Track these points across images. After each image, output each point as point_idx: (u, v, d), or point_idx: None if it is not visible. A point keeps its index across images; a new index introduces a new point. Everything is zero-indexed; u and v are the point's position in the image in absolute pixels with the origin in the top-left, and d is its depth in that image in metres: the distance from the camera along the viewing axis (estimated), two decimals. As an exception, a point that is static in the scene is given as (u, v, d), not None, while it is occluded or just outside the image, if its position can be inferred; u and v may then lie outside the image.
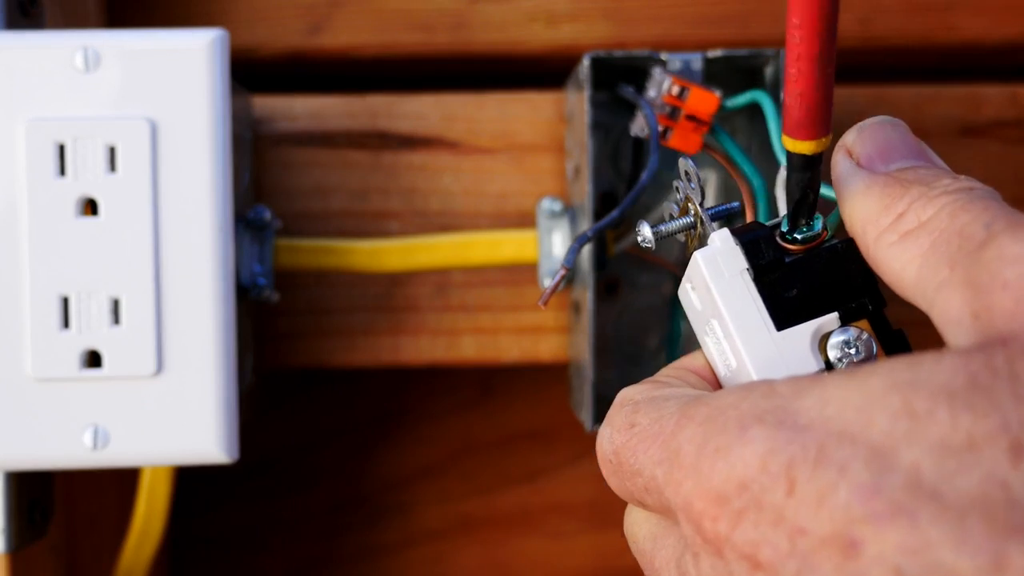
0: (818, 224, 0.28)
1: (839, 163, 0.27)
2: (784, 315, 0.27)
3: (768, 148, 0.37)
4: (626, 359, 0.44)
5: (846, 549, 0.20)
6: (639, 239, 0.32)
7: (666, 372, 0.30)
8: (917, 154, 0.27)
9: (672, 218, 0.32)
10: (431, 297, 0.46)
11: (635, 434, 0.26)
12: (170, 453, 0.37)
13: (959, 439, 0.20)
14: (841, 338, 0.27)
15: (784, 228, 0.28)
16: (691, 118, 0.37)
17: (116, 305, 0.37)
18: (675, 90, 0.38)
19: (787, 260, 0.28)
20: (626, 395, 0.28)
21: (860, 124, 0.28)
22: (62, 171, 0.36)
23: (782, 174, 0.32)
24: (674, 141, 0.38)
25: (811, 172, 0.26)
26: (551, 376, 0.49)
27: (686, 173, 0.31)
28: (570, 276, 0.43)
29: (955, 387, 0.20)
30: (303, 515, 0.55)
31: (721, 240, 0.28)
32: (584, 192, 0.40)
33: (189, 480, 0.51)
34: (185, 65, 0.36)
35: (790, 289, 0.28)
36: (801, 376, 0.23)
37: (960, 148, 0.46)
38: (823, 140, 0.26)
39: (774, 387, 0.23)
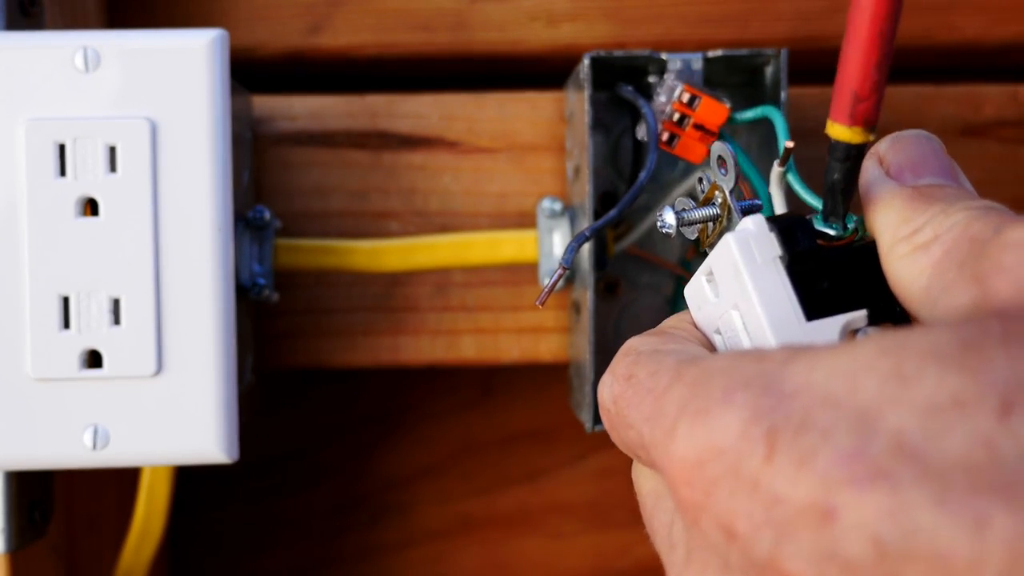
0: (851, 222, 0.27)
1: (868, 169, 0.27)
2: (814, 306, 0.26)
3: (767, 154, 0.37)
4: (626, 359, 0.44)
5: (823, 517, 0.19)
6: (660, 225, 0.31)
7: (674, 322, 0.30)
8: (947, 173, 0.27)
9: (695, 207, 0.31)
10: (431, 297, 0.46)
11: (632, 386, 0.26)
12: (170, 453, 0.37)
13: (946, 399, 0.19)
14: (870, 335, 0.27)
15: (818, 220, 0.28)
16: (699, 127, 0.37)
17: (116, 305, 0.37)
18: (686, 98, 0.38)
19: (821, 252, 0.27)
20: (631, 344, 0.28)
21: (896, 134, 0.28)
22: (62, 171, 0.36)
23: (775, 170, 0.31)
24: (680, 149, 0.38)
25: (851, 164, 0.26)
26: (551, 376, 0.49)
27: (720, 159, 0.30)
28: (570, 276, 0.43)
29: (946, 349, 0.20)
30: (303, 515, 0.55)
31: (755, 224, 0.27)
32: (584, 192, 0.40)
33: (189, 480, 0.51)
34: (185, 65, 0.36)
35: (822, 281, 0.27)
36: (795, 344, 0.23)
37: (960, 148, 0.46)
38: (870, 132, 0.25)
39: (765, 353, 0.23)
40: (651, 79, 0.41)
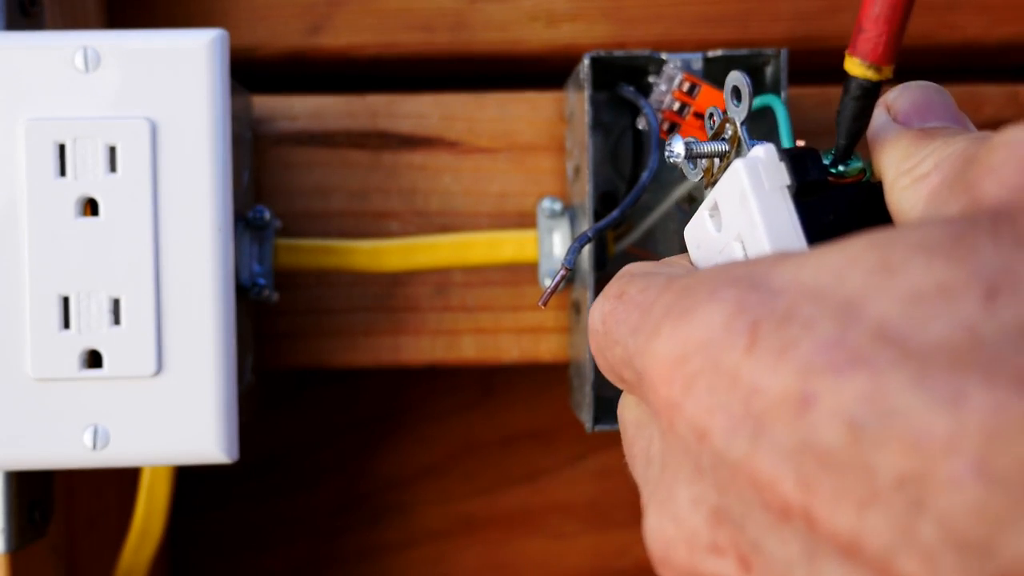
0: (858, 161, 0.27)
1: (877, 116, 0.27)
2: (818, 238, 0.26)
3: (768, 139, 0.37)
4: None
5: (799, 405, 0.19)
6: (668, 154, 0.30)
7: (672, 258, 0.30)
8: (954, 117, 0.27)
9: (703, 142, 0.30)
10: (431, 297, 0.46)
11: (622, 303, 0.26)
12: (170, 453, 0.37)
13: (931, 286, 0.18)
14: None
15: (827, 157, 0.27)
16: (699, 116, 0.37)
17: (116, 305, 0.37)
18: (685, 86, 0.38)
19: (828, 186, 0.27)
20: (627, 268, 0.28)
21: (904, 84, 0.28)
22: (62, 171, 0.36)
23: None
24: None
25: (863, 103, 0.26)
26: (551, 376, 0.49)
27: (735, 89, 0.29)
28: (570, 276, 0.43)
29: (934, 241, 0.19)
30: (304, 515, 0.55)
31: (766, 152, 0.27)
32: (584, 192, 0.40)
33: (189, 480, 0.51)
34: (185, 65, 0.36)
35: (827, 214, 0.26)
36: (786, 250, 0.22)
37: (960, 148, 0.46)
38: (887, 69, 0.25)
39: (756, 258, 0.22)
40: (651, 79, 0.41)
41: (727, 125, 0.29)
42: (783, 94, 0.39)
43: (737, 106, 0.29)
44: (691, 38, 0.47)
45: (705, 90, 0.37)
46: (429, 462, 0.55)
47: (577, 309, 0.43)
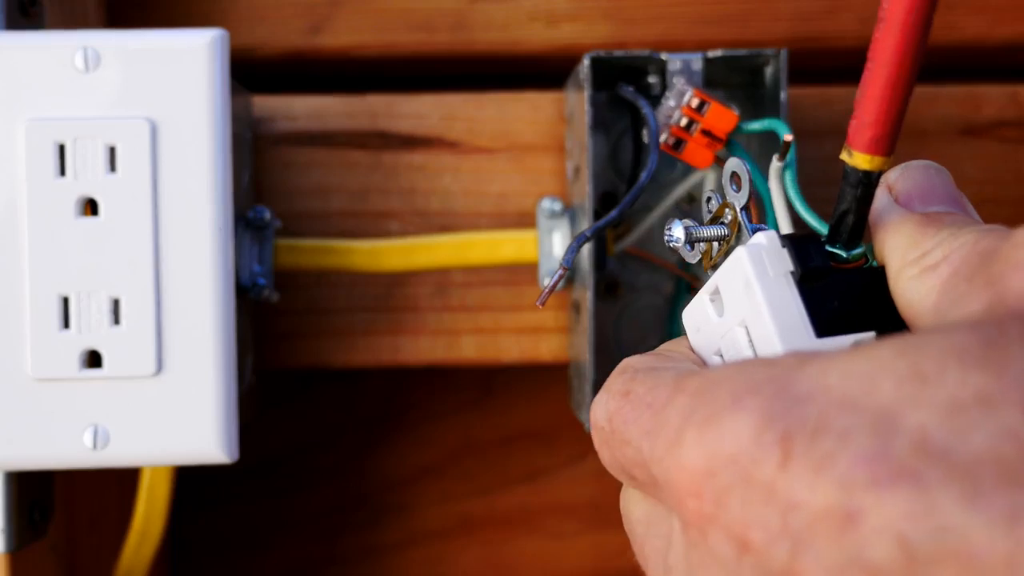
0: (860, 247, 0.27)
1: (878, 197, 0.27)
2: (824, 324, 0.26)
3: (766, 163, 0.37)
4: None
5: (844, 521, 0.18)
6: (668, 239, 0.30)
7: (670, 346, 0.29)
8: (955, 202, 0.27)
9: (703, 225, 0.30)
10: (431, 297, 0.46)
11: (629, 402, 0.25)
12: (170, 453, 0.37)
13: (969, 396, 0.18)
14: None
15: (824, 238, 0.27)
16: (707, 133, 0.37)
17: (116, 305, 0.37)
18: (695, 103, 0.38)
19: (832, 272, 0.27)
20: (628, 363, 0.27)
21: (905, 164, 0.28)
22: (62, 171, 0.36)
23: (774, 164, 0.31)
24: (686, 155, 0.38)
25: (863, 191, 0.26)
26: (551, 376, 0.49)
27: (734, 175, 0.29)
28: (570, 276, 0.43)
29: (966, 348, 0.19)
30: (303, 515, 0.55)
31: (768, 239, 0.27)
32: (584, 192, 0.40)
33: (189, 480, 0.51)
34: (185, 65, 0.36)
35: (832, 300, 0.26)
36: (804, 350, 0.22)
37: (960, 148, 0.46)
38: (887, 159, 0.25)
39: (773, 359, 0.22)
40: (651, 79, 0.41)
41: (726, 210, 0.29)
42: (783, 94, 0.39)
43: (736, 192, 0.29)
44: (691, 38, 0.47)
45: (714, 108, 0.37)
46: (429, 462, 0.55)
47: (577, 309, 0.43)
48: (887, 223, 0.27)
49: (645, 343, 0.45)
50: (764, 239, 0.27)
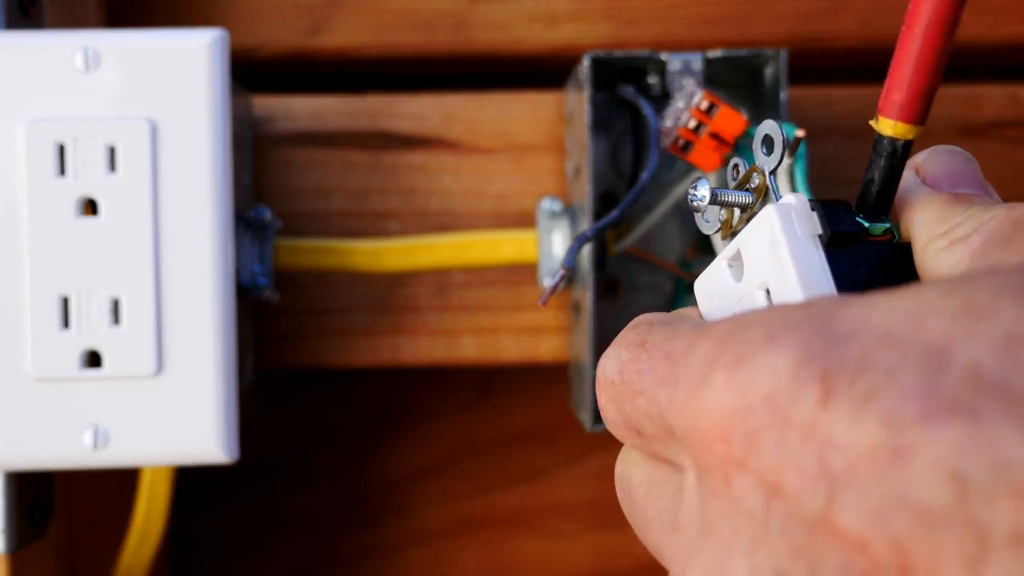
0: (885, 222, 0.27)
1: (906, 178, 0.27)
2: (849, 290, 0.25)
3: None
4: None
5: (891, 459, 0.17)
6: (691, 198, 0.29)
7: (683, 312, 0.29)
8: (983, 187, 0.27)
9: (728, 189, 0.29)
10: (431, 297, 0.46)
11: (645, 351, 0.24)
12: (170, 453, 0.37)
13: None
14: None
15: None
16: (715, 136, 0.37)
17: (116, 305, 0.37)
18: (704, 105, 0.38)
19: (860, 240, 0.26)
20: (642, 317, 0.26)
21: (934, 147, 0.27)
22: (62, 171, 0.36)
23: (784, 161, 0.30)
24: (693, 157, 0.38)
25: (890, 161, 0.25)
26: (551, 376, 0.49)
27: (767, 137, 0.28)
28: (570, 276, 0.43)
29: (1021, 285, 0.18)
30: (303, 515, 0.55)
31: (797, 200, 0.26)
32: (584, 192, 0.40)
33: (189, 480, 0.51)
34: (185, 65, 0.36)
35: (857, 268, 0.26)
36: (843, 294, 0.21)
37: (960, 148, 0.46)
38: (914, 128, 0.24)
39: (810, 301, 0.21)
40: (651, 79, 0.41)
41: (755, 174, 0.28)
42: (783, 94, 0.39)
43: (767, 155, 0.28)
44: (691, 38, 0.47)
45: (723, 111, 0.37)
46: (428, 462, 0.55)
47: (577, 309, 0.43)
48: (915, 200, 0.26)
49: (645, 343, 0.45)
50: (794, 199, 0.26)
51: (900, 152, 0.25)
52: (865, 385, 0.18)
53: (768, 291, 0.26)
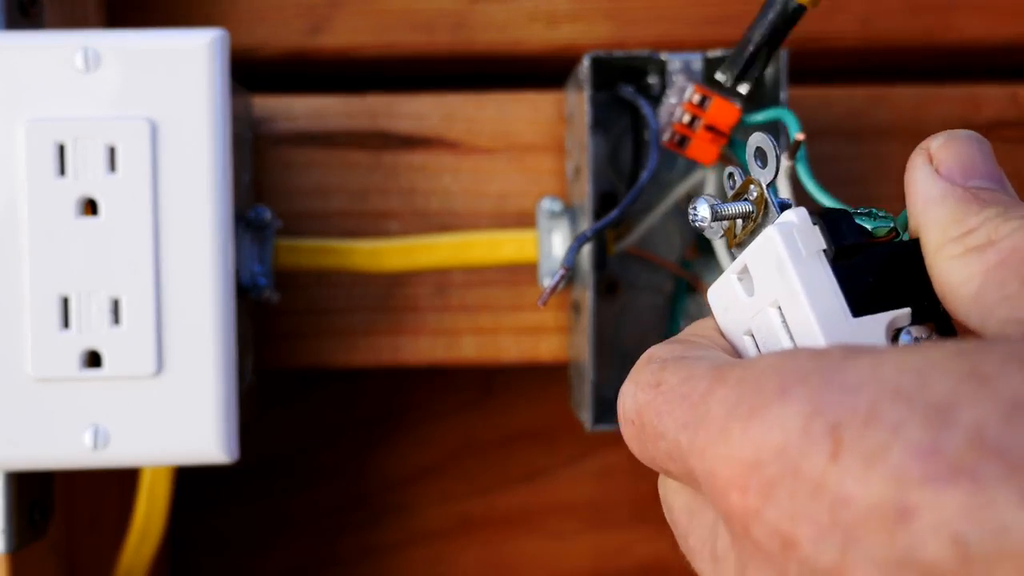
0: (888, 220, 0.27)
1: (918, 166, 0.26)
2: (860, 302, 0.25)
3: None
4: (626, 359, 0.44)
5: (898, 517, 0.18)
6: (692, 218, 0.29)
7: (693, 331, 0.28)
8: (997, 178, 0.26)
9: (726, 202, 0.29)
10: (431, 297, 0.46)
11: (661, 393, 0.24)
12: (170, 453, 0.37)
13: None
14: (914, 335, 0.26)
15: (858, 217, 0.27)
16: (710, 128, 0.37)
17: (116, 305, 0.37)
18: (696, 98, 0.38)
19: (864, 247, 0.26)
20: (654, 352, 0.26)
21: (947, 132, 0.27)
22: (62, 171, 0.36)
23: (783, 164, 0.30)
24: (691, 151, 0.38)
25: (780, 24, 0.25)
26: (551, 376, 0.49)
27: (759, 150, 0.28)
28: (570, 276, 0.43)
29: None
30: (303, 515, 0.55)
31: (798, 217, 0.26)
32: (584, 192, 0.40)
33: (189, 480, 0.51)
34: (185, 65, 0.36)
35: (865, 276, 0.26)
36: (851, 344, 0.21)
37: (960, 148, 0.46)
38: None
39: (821, 350, 0.21)
40: (651, 79, 0.41)
41: (751, 186, 0.28)
42: (783, 94, 0.39)
43: (762, 168, 0.28)
44: (691, 38, 0.47)
45: (716, 102, 0.37)
46: (428, 462, 0.55)
47: (577, 309, 0.43)
48: (928, 194, 0.26)
49: (645, 343, 0.45)
50: (795, 217, 0.26)
51: (791, 14, 0.25)
52: (873, 440, 0.18)
53: (780, 308, 0.26)
